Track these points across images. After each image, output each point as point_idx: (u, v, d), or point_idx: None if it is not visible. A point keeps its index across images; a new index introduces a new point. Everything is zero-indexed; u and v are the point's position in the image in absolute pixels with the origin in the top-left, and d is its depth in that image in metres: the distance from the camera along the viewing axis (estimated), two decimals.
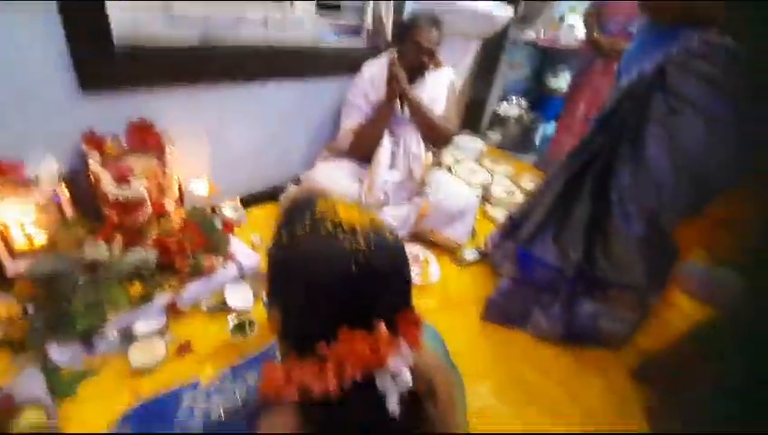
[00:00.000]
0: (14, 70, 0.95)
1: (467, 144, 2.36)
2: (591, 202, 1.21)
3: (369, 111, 1.50)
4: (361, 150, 1.52)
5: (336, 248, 0.44)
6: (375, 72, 1.53)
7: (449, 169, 2.04)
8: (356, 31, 1.72)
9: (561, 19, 2.75)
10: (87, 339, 0.98)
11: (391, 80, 1.39)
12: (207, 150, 1.39)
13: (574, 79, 2.28)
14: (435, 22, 1.43)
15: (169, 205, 1.26)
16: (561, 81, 3.01)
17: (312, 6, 1.54)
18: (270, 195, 1.68)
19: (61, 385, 0.89)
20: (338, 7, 1.65)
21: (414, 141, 1.50)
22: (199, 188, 1.32)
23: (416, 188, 1.55)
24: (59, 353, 0.95)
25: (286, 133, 1.63)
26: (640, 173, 1.11)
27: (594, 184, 1.21)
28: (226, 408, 0.74)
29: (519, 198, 2.00)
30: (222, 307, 1.17)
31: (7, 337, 0.98)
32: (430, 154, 1.63)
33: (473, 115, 2.70)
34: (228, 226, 1.37)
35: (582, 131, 1.81)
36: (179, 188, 1.31)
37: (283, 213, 0.53)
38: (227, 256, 1.27)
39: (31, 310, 1.00)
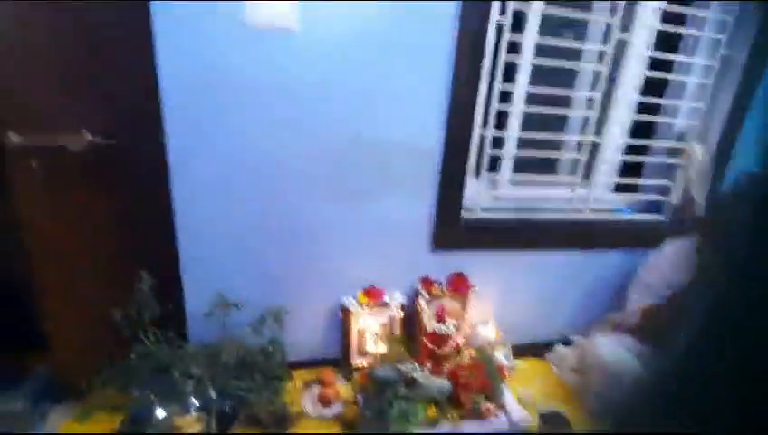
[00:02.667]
0: (397, 236, 1.45)
1: None
2: None
3: (665, 293, 1.41)
4: (651, 335, 1.41)
5: None
6: (678, 251, 1.46)
7: None
8: (656, 206, 1.72)
9: None
10: None
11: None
12: (497, 301, 1.62)
13: None
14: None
15: (461, 341, 1.51)
16: None
17: (610, 185, 1.68)
18: (535, 349, 1.73)
19: None
20: (636, 187, 1.72)
21: None
22: (488, 332, 1.53)
23: None
24: None
25: (562, 296, 1.71)
26: None
27: None
28: None
29: None
30: None
31: (342, 416, 1.35)
32: None
33: None
34: (501, 371, 1.49)
35: None
36: (470, 328, 1.55)
37: None
38: (500, 405, 1.37)
39: (360, 400, 1.36)
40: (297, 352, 1.47)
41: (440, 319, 1.38)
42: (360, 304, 1.44)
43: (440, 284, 1.50)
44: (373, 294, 1.47)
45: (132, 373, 1.20)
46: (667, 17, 1.48)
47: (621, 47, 1.45)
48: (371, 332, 1.45)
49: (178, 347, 1.25)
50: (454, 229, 1.47)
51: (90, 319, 1.28)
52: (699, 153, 1.58)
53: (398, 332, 1.49)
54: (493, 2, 1.26)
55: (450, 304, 1.51)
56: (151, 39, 1.09)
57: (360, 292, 1.46)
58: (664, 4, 1.45)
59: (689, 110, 1.60)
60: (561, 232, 1.59)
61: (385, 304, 1.46)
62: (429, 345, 1.37)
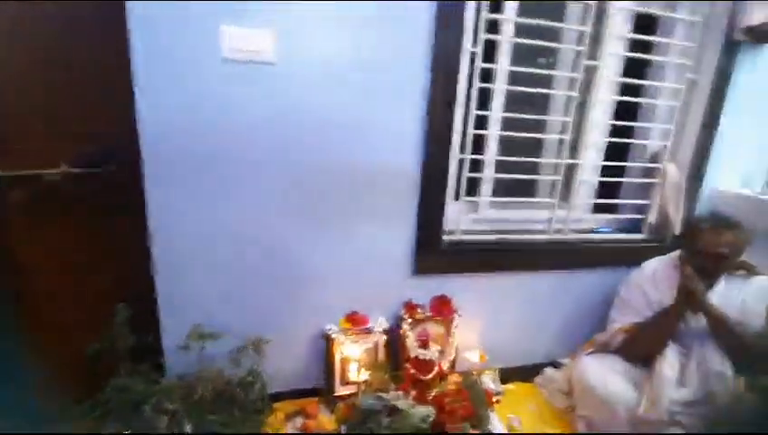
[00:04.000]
0: (378, 262, 1.45)
1: None
2: None
3: (647, 312, 1.42)
4: (635, 354, 1.40)
5: None
6: (658, 269, 1.47)
7: None
8: (634, 224, 1.75)
9: None
10: None
11: (684, 288, 1.30)
12: (482, 325, 1.61)
13: None
14: (728, 224, 1.30)
15: (445, 367, 1.49)
16: None
17: (589, 206, 1.71)
18: (523, 372, 1.71)
19: None
20: (615, 207, 1.75)
21: (715, 358, 1.28)
22: (473, 357, 1.51)
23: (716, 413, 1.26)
24: None
25: (546, 316, 1.70)
26: None
27: None
28: None
29: None
30: None
31: None
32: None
33: None
34: (489, 396, 1.46)
35: None
36: (455, 353, 1.53)
37: None
38: (487, 432, 1.33)
39: (343, 430, 1.32)
40: (279, 383, 1.43)
41: (424, 344, 1.36)
42: (343, 331, 1.41)
43: (424, 308, 1.49)
44: (356, 321, 1.45)
45: (105, 408, 1.16)
46: (634, 44, 1.55)
47: (591, 73, 1.50)
48: (355, 359, 1.42)
49: (154, 381, 1.22)
50: (436, 253, 1.47)
51: (62, 351, 1.24)
52: (673, 173, 1.62)
53: (382, 358, 1.46)
54: (464, 31, 1.31)
55: (434, 328, 1.50)
56: (130, 71, 1.11)
57: (343, 318, 1.44)
58: (629, 33, 1.52)
59: (661, 131, 1.65)
60: (542, 253, 1.60)
61: (368, 331, 1.44)
62: (413, 372, 1.34)
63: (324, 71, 1.23)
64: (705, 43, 1.54)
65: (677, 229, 1.63)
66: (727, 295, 1.33)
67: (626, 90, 1.59)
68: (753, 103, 1.61)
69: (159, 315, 1.31)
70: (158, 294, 1.29)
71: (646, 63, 1.64)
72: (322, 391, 1.49)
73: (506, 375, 1.67)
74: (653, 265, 1.50)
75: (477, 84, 1.39)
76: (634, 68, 1.62)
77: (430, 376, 1.34)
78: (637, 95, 1.63)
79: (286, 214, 1.33)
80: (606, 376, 1.37)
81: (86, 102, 1.17)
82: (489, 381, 1.60)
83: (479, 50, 1.35)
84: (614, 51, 1.52)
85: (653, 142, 1.67)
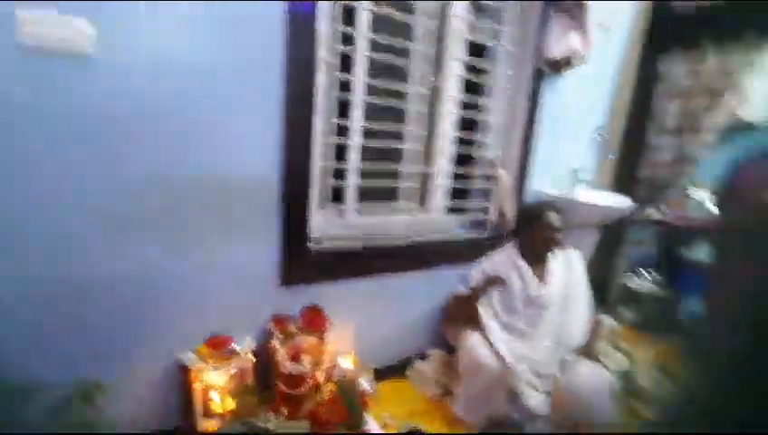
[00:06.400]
0: (241, 276, 1.36)
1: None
2: None
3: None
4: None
5: None
6: (497, 258, 1.73)
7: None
8: (480, 224, 2.00)
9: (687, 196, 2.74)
10: None
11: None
12: (355, 330, 1.64)
13: None
14: (558, 208, 1.65)
15: (321, 377, 1.46)
16: (699, 253, 2.80)
17: (443, 209, 1.90)
18: (397, 369, 1.80)
19: None
20: (464, 210, 1.99)
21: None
22: (346, 364, 1.52)
23: None
24: None
25: (414, 314, 1.83)
26: None
27: None
28: None
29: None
30: None
31: None
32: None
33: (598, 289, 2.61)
34: (364, 398, 1.48)
35: None
36: (332, 362, 1.52)
37: None
38: (363, 432, 1.36)
39: None
40: (136, 427, 1.23)
41: (294, 358, 1.32)
42: (203, 359, 1.28)
43: (296, 319, 1.45)
44: (218, 344, 1.32)
45: None
46: (472, 67, 1.79)
47: (436, 91, 1.68)
48: (219, 387, 1.30)
49: None
50: (303, 262, 1.45)
51: None
52: (505, 177, 1.91)
53: (250, 381, 1.37)
54: (320, 41, 1.33)
55: (307, 340, 1.46)
56: None
57: (201, 344, 1.30)
58: (466, 57, 1.75)
59: (495, 142, 1.94)
60: (405, 255, 1.71)
61: (232, 353, 1.33)
62: (283, 388, 1.29)
63: (161, 68, 1.10)
64: (520, 70, 1.87)
65: (512, 225, 1.93)
66: (560, 268, 1.67)
67: (470, 106, 1.82)
68: (557, 121, 2.01)
69: None
70: None
71: (481, 86, 1.90)
72: (183, 428, 1.32)
73: (382, 374, 1.73)
74: (495, 257, 1.74)
75: (335, 94, 1.42)
76: (474, 88, 1.86)
77: (303, 390, 1.30)
78: (477, 111, 1.88)
79: (122, 231, 1.14)
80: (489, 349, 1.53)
81: None
82: (365, 383, 1.63)
83: (337, 61, 1.39)
84: (453, 72, 1.72)
85: (490, 152, 1.95)
